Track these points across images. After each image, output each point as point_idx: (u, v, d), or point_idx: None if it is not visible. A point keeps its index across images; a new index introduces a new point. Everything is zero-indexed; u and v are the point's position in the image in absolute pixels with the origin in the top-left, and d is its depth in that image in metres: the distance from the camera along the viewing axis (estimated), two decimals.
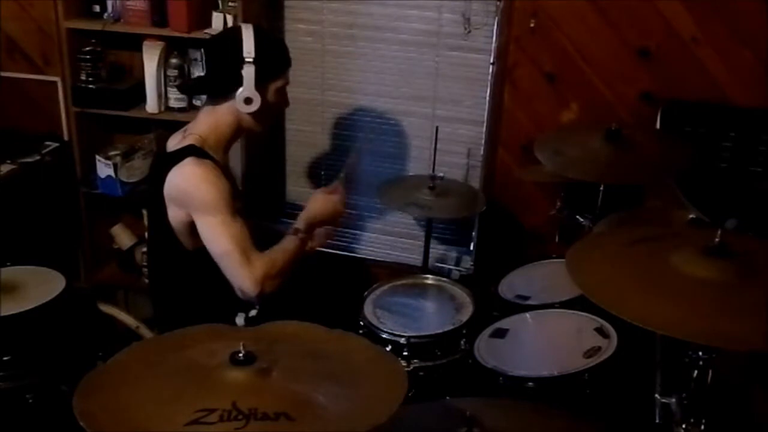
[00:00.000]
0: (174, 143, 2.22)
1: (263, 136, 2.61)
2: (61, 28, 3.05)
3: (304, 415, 1.20)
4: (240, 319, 2.21)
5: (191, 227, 2.10)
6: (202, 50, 2.28)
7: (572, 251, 1.66)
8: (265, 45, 2.15)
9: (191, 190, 2.07)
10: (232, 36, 2.16)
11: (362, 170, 3.25)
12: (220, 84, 2.17)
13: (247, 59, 2.11)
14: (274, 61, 2.19)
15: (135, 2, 2.96)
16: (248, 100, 2.14)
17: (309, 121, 3.26)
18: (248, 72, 2.11)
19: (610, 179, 2.39)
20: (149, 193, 2.26)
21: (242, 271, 2.03)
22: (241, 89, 2.12)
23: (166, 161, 2.14)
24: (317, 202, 2.28)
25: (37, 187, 3.14)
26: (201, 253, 2.09)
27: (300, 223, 2.23)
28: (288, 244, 2.16)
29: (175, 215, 2.12)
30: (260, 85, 2.14)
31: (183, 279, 2.25)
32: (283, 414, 1.19)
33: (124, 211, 3.35)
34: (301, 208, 2.31)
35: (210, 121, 2.20)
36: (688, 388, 1.65)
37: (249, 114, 2.17)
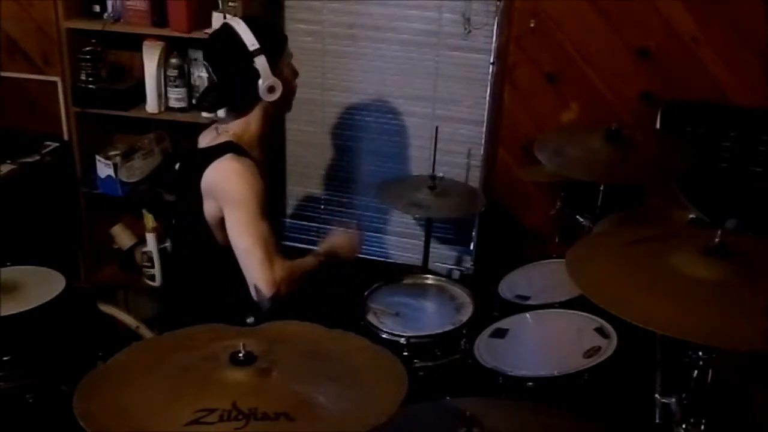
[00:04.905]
0: (207, 140, 2.25)
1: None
2: (61, 28, 3.05)
3: (304, 415, 1.20)
4: (251, 320, 2.22)
5: (224, 222, 2.12)
6: (205, 62, 2.26)
7: (572, 251, 1.66)
8: (262, 29, 2.16)
9: (225, 185, 2.09)
10: (228, 35, 2.15)
11: (362, 170, 3.26)
12: (239, 86, 2.17)
13: (254, 51, 2.11)
14: (276, 40, 2.21)
15: (135, 2, 2.96)
16: (271, 89, 2.15)
17: (309, 121, 3.26)
18: (260, 62, 2.12)
19: (610, 179, 2.39)
20: (181, 188, 2.27)
21: (262, 269, 2.04)
22: (260, 81, 2.13)
23: (201, 157, 2.17)
24: (339, 239, 2.37)
25: (37, 187, 3.14)
26: (230, 249, 2.11)
27: (321, 250, 2.30)
28: (308, 260, 2.22)
29: (209, 209, 2.14)
30: (274, 68, 2.15)
31: (207, 275, 2.26)
32: (283, 414, 1.19)
33: (124, 211, 3.34)
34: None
35: (241, 120, 2.22)
36: (688, 388, 1.65)
37: (274, 101, 2.18)
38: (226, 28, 2.18)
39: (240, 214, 2.07)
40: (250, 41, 2.11)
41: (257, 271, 2.04)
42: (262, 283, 2.04)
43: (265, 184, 2.15)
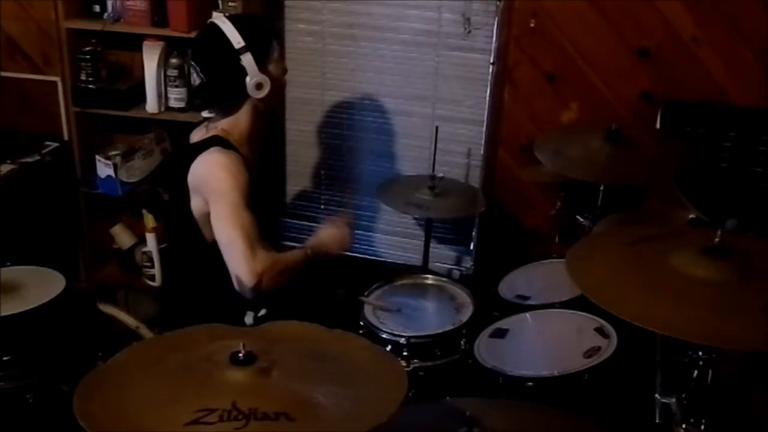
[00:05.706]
0: (198, 136, 2.25)
1: (264, 136, 2.61)
2: (61, 28, 3.05)
3: (304, 415, 1.20)
4: (249, 318, 2.22)
5: (210, 217, 2.12)
6: (192, 62, 2.27)
7: (572, 251, 1.66)
8: (248, 27, 2.16)
9: (209, 178, 2.10)
10: (213, 34, 2.15)
11: (362, 170, 3.26)
12: (227, 84, 2.17)
13: (240, 49, 2.11)
14: (262, 37, 2.21)
15: (135, 2, 2.96)
16: (259, 86, 2.16)
17: (309, 121, 3.26)
18: (247, 60, 2.12)
19: (610, 179, 2.39)
20: (171, 184, 2.27)
21: (244, 261, 2.03)
22: (248, 78, 2.14)
23: (190, 152, 2.17)
24: (328, 235, 2.31)
25: (37, 187, 3.14)
26: (218, 246, 2.10)
27: (309, 246, 2.26)
28: (294, 254, 2.19)
29: (196, 204, 2.14)
30: (261, 65, 2.16)
31: (198, 272, 2.26)
32: (283, 414, 1.19)
33: (124, 211, 3.35)
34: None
35: (230, 118, 2.23)
36: (688, 388, 1.65)
37: (262, 98, 2.19)
38: (212, 27, 2.18)
39: (223, 205, 2.07)
40: (236, 39, 2.12)
41: (239, 261, 2.03)
42: (243, 274, 2.03)
43: (252, 179, 2.13)
